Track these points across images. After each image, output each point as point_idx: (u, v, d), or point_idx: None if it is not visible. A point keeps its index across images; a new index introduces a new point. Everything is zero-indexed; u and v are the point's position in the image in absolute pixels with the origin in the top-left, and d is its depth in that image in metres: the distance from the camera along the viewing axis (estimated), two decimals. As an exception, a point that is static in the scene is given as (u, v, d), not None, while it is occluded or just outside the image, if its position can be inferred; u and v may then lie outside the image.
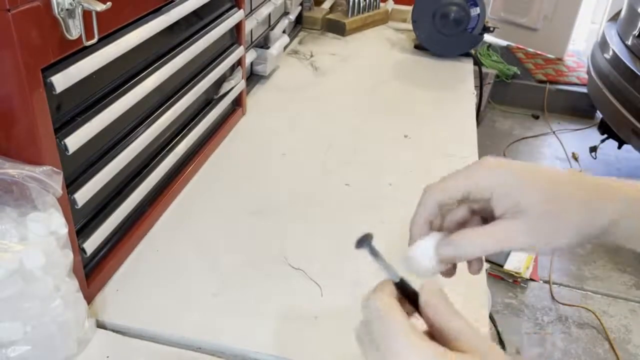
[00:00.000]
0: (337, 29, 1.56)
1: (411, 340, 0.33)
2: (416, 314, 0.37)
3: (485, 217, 0.44)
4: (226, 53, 0.96)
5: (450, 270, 0.44)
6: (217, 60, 0.92)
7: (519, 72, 3.20)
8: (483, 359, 0.33)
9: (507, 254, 1.97)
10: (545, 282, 1.98)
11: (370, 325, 0.36)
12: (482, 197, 0.41)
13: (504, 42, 3.53)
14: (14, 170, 0.50)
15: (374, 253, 0.40)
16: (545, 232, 0.39)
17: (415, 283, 0.39)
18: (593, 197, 0.39)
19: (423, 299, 0.36)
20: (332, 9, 1.64)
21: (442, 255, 0.41)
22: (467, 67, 1.39)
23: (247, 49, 1.08)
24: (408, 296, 0.38)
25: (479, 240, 0.40)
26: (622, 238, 0.40)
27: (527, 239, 0.39)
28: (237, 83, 1.01)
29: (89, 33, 0.54)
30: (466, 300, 0.67)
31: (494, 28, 1.44)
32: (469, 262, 0.44)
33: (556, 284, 1.98)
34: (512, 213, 0.40)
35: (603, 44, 2.45)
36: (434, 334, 0.36)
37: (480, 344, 0.34)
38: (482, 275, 0.73)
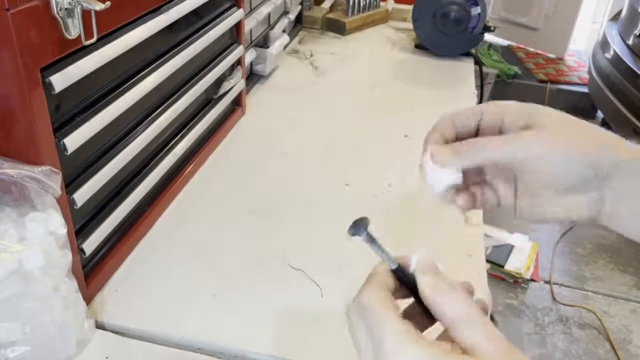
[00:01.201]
0: (337, 28, 1.56)
1: (402, 341, 0.31)
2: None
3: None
4: (226, 52, 0.95)
5: (466, 198, 0.43)
6: (217, 60, 0.92)
7: (519, 72, 3.20)
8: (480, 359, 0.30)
9: (508, 254, 1.97)
10: (546, 282, 1.97)
11: (363, 317, 0.34)
12: (495, 120, 0.41)
13: (504, 42, 3.52)
14: (12, 170, 0.50)
15: (371, 240, 0.37)
16: (561, 145, 0.38)
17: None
18: (605, 135, 0.39)
19: (421, 285, 0.34)
20: (332, 8, 1.64)
21: (433, 153, 0.40)
22: (467, 67, 1.39)
23: (246, 49, 1.08)
24: (406, 282, 0.36)
25: (496, 142, 0.39)
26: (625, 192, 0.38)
27: (541, 148, 0.38)
28: (236, 83, 1.00)
29: (88, 32, 0.53)
30: (466, 301, 0.67)
31: (495, 27, 1.44)
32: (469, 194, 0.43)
33: (557, 284, 1.98)
34: (528, 126, 0.39)
35: (604, 44, 2.45)
36: (436, 317, 0.34)
37: (477, 337, 0.31)
38: (483, 276, 0.73)
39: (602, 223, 0.40)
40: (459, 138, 0.42)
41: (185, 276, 0.70)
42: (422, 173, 0.41)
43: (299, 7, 1.50)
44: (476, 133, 0.42)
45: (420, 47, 1.46)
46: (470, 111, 0.42)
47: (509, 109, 0.41)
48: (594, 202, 0.39)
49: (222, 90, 0.97)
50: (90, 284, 0.65)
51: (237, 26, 0.97)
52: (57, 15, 0.49)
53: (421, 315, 0.36)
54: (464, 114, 0.42)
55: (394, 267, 0.37)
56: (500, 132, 0.41)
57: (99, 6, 0.51)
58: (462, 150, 0.40)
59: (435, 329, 0.36)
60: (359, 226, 0.38)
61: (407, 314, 0.37)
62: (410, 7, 1.46)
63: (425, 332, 0.36)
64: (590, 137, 0.39)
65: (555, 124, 0.39)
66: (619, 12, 2.48)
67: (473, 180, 0.44)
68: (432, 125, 0.43)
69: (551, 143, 0.38)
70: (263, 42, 1.23)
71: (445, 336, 0.33)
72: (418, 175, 0.41)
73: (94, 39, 0.54)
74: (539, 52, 3.45)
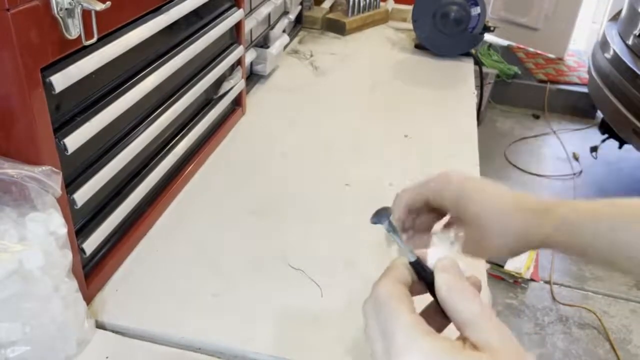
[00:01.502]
0: (337, 28, 1.56)
1: (415, 336, 0.31)
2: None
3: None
4: (226, 52, 0.95)
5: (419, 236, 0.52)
6: (217, 60, 0.92)
7: (519, 72, 3.20)
8: (493, 357, 0.30)
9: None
10: (546, 282, 1.97)
11: (377, 311, 0.34)
12: (437, 202, 0.50)
13: (504, 42, 3.53)
14: (13, 170, 0.50)
15: (392, 229, 0.37)
16: (484, 240, 0.47)
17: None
18: (530, 216, 0.46)
19: (438, 282, 0.35)
20: (332, 8, 1.64)
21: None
22: (467, 67, 1.39)
23: (246, 49, 1.08)
24: (424, 277, 0.36)
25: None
26: (561, 249, 0.46)
27: (471, 246, 0.47)
28: (236, 83, 1.00)
29: (88, 33, 0.53)
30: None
31: (495, 27, 1.44)
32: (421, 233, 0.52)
33: (557, 284, 1.98)
34: (461, 220, 0.49)
35: (604, 44, 2.45)
36: (449, 316, 0.34)
37: (491, 336, 0.31)
38: (483, 276, 0.73)
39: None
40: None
41: (185, 276, 0.70)
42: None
43: (299, 7, 1.50)
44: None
45: (420, 47, 1.47)
46: (419, 197, 0.51)
47: (445, 202, 0.49)
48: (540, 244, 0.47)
49: (222, 91, 0.97)
50: (90, 284, 0.65)
51: (237, 26, 0.97)
52: (57, 15, 0.49)
53: (440, 314, 0.36)
54: (414, 199, 0.51)
55: (412, 259, 0.37)
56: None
57: (99, 6, 0.51)
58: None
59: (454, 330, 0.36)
60: (381, 215, 0.38)
61: (424, 313, 0.37)
62: (410, 7, 1.46)
63: (444, 330, 0.36)
64: (517, 218, 0.47)
65: (482, 216, 0.47)
66: (619, 12, 2.48)
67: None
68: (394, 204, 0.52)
69: (476, 240, 0.48)
70: (263, 42, 1.23)
71: (460, 335, 0.33)
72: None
73: (94, 39, 0.54)
74: (539, 52, 3.45)
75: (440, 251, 0.39)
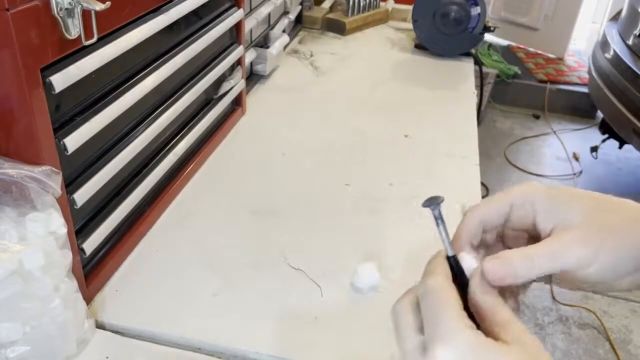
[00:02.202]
0: (337, 28, 1.56)
1: (460, 326, 0.33)
2: None
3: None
4: (226, 52, 0.95)
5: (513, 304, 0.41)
6: (217, 60, 0.92)
7: (519, 72, 3.20)
8: (528, 354, 0.32)
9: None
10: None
11: (423, 302, 0.35)
12: (525, 214, 0.39)
13: (504, 42, 3.53)
14: (13, 170, 0.50)
15: (441, 217, 0.37)
16: (602, 240, 0.36)
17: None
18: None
19: (474, 284, 0.36)
20: (332, 8, 1.64)
21: (487, 271, 0.36)
22: (467, 67, 1.39)
23: (246, 49, 1.08)
24: (457, 274, 0.37)
25: (531, 253, 0.36)
26: None
27: (583, 249, 0.36)
28: (236, 83, 1.00)
29: (88, 33, 0.53)
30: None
31: (495, 27, 1.44)
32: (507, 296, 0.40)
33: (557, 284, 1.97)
34: (562, 226, 0.37)
35: (604, 44, 2.45)
36: (480, 320, 0.35)
37: (527, 339, 0.33)
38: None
39: None
40: (483, 237, 0.41)
41: (185, 276, 0.70)
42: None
43: (299, 7, 1.50)
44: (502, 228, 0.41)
45: (420, 47, 1.47)
46: (498, 210, 0.40)
47: (540, 206, 0.38)
48: (636, 278, 0.38)
49: (222, 90, 0.97)
50: (90, 284, 0.65)
51: (237, 26, 0.97)
52: (57, 15, 0.49)
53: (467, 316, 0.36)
54: (491, 213, 0.40)
55: (451, 253, 0.38)
56: (533, 225, 0.39)
57: (99, 6, 0.51)
58: (517, 269, 0.36)
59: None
60: (434, 201, 0.38)
61: None
62: (410, 7, 1.46)
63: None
64: (628, 222, 0.37)
65: (591, 221, 0.36)
66: (619, 12, 2.48)
67: None
68: (460, 224, 0.41)
69: (594, 245, 0.36)
70: (263, 42, 1.23)
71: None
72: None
73: (94, 39, 0.54)
74: (539, 52, 3.46)
75: (473, 260, 0.38)
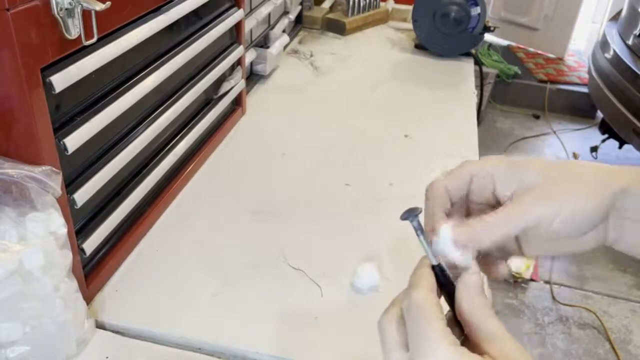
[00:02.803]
0: (337, 28, 1.56)
1: (444, 343, 0.32)
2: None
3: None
4: (226, 52, 0.95)
5: (491, 269, 0.42)
6: (217, 60, 0.92)
7: (519, 72, 3.20)
8: None
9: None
10: (546, 282, 1.97)
11: (407, 316, 0.35)
12: (485, 184, 0.40)
13: (504, 42, 3.53)
14: (13, 170, 0.50)
15: (420, 228, 0.38)
16: (561, 193, 0.36)
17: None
18: (602, 168, 0.38)
19: (460, 294, 0.36)
20: (332, 8, 1.64)
21: (457, 239, 0.37)
22: (467, 67, 1.39)
23: (246, 49, 1.08)
24: (443, 282, 0.37)
25: (495, 220, 0.37)
26: (628, 217, 0.37)
27: (544, 205, 0.36)
28: (236, 83, 1.00)
29: (88, 33, 0.53)
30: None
31: (495, 27, 1.44)
32: (493, 265, 0.42)
33: (557, 284, 1.98)
34: (521, 190, 0.38)
35: (604, 44, 2.45)
36: (466, 329, 0.35)
37: (512, 352, 0.33)
38: (483, 276, 0.72)
39: (607, 245, 0.39)
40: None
41: (185, 276, 0.70)
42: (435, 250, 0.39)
43: (299, 7, 1.50)
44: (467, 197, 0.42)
45: (420, 47, 1.47)
46: (460, 179, 0.41)
47: (499, 175, 0.39)
48: (599, 234, 0.38)
49: (222, 90, 0.97)
50: (90, 284, 0.65)
51: (237, 26, 0.97)
52: (57, 16, 0.49)
53: (456, 326, 0.36)
54: (454, 181, 0.41)
55: (435, 263, 0.37)
56: (493, 195, 0.40)
57: (99, 6, 0.51)
58: (479, 234, 0.37)
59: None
60: (412, 213, 0.38)
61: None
62: (410, 7, 1.46)
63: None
64: (585, 180, 0.37)
65: (548, 179, 0.37)
66: (619, 12, 2.48)
67: None
68: (427, 199, 0.41)
69: (554, 199, 0.36)
70: (263, 42, 1.23)
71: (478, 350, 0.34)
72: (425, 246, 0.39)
73: (94, 39, 0.54)
74: (539, 52, 3.45)
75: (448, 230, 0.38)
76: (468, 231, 0.37)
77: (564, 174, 0.38)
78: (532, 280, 1.96)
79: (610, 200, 0.36)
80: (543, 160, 0.39)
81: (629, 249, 0.38)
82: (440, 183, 0.41)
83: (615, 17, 2.55)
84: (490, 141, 2.83)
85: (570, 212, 0.36)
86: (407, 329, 0.35)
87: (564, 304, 1.89)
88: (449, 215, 0.41)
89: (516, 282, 1.95)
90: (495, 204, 0.40)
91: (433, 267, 0.37)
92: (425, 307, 0.34)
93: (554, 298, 1.91)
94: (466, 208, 0.42)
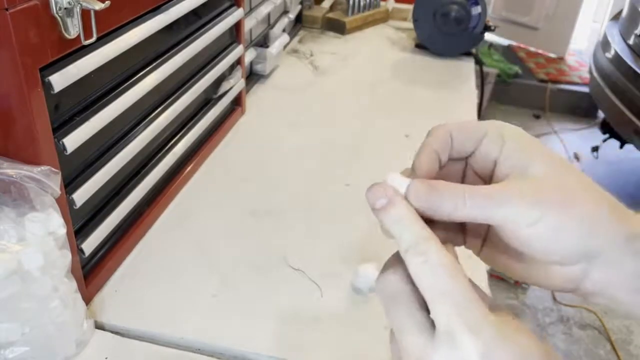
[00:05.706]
0: (337, 27, 1.56)
1: (415, 336, 0.29)
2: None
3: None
4: (225, 52, 0.95)
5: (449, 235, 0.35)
6: (216, 60, 0.92)
7: (520, 72, 3.20)
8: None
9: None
10: (547, 282, 1.97)
11: (384, 304, 0.31)
12: (492, 149, 0.33)
13: (505, 41, 3.53)
14: (12, 170, 0.50)
15: None
16: (551, 201, 0.29)
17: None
18: (611, 201, 0.31)
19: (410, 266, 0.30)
20: (332, 7, 1.64)
21: (410, 191, 0.31)
22: (468, 67, 1.39)
23: (246, 48, 1.07)
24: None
25: (465, 190, 0.30)
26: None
27: (527, 204, 0.29)
28: (236, 82, 1.00)
29: (87, 32, 0.53)
30: (467, 301, 0.67)
31: (495, 27, 1.44)
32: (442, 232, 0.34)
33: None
34: (518, 174, 0.31)
35: (605, 43, 2.44)
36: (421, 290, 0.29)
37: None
38: (483, 276, 0.72)
39: (577, 295, 0.33)
40: (450, 158, 0.35)
41: (184, 276, 0.70)
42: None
43: (299, 6, 1.50)
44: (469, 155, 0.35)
45: (420, 46, 1.46)
46: (469, 132, 0.34)
47: (506, 147, 0.33)
48: (574, 276, 0.31)
49: (221, 90, 0.97)
50: (89, 284, 0.65)
51: (237, 26, 0.97)
52: (56, 15, 0.49)
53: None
54: (464, 133, 0.34)
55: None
56: (493, 170, 0.34)
57: (99, 6, 0.51)
58: (442, 202, 0.31)
59: None
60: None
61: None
62: (410, 7, 1.46)
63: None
64: (582, 193, 0.31)
65: (549, 177, 0.31)
66: (620, 12, 2.48)
67: None
68: (427, 133, 0.35)
69: (542, 204, 0.30)
70: (263, 42, 1.23)
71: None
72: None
73: (94, 39, 0.54)
74: (540, 51, 3.45)
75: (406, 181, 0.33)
76: (430, 191, 0.31)
77: (566, 182, 0.31)
78: (532, 280, 1.96)
79: (605, 237, 0.30)
80: (557, 159, 0.33)
81: (601, 303, 0.32)
82: (446, 127, 0.34)
83: (616, 17, 2.55)
84: (491, 141, 2.82)
85: (552, 226, 0.30)
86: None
87: (564, 305, 1.89)
88: (442, 168, 0.34)
89: (517, 282, 1.95)
90: (489, 182, 0.34)
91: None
92: (393, 298, 0.30)
93: (554, 298, 1.91)
94: (462, 176, 0.36)
